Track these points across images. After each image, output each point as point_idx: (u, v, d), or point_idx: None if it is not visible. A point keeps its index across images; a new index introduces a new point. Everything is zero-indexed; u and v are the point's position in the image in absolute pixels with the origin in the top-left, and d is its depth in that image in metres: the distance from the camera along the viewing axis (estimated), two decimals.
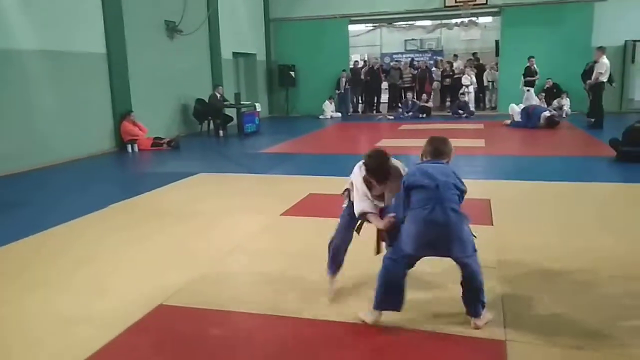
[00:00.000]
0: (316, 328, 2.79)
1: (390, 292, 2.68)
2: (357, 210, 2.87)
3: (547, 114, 11.22)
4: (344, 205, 3.11)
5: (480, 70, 16.11)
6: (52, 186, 6.72)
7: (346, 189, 3.10)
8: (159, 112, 10.84)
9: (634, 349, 2.49)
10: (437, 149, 2.86)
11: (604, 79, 10.74)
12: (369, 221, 2.91)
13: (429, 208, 2.54)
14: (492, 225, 4.46)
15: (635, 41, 13.83)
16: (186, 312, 3.00)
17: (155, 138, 9.68)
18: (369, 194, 2.86)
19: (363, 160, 2.84)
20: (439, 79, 16.35)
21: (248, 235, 4.35)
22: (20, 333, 2.80)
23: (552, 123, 10.93)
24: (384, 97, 16.99)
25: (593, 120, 10.98)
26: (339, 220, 3.15)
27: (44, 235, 4.47)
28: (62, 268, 3.70)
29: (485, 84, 16.07)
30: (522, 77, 13.12)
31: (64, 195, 6.19)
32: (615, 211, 4.90)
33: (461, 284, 2.72)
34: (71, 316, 2.97)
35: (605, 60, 10.71)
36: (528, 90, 12.82)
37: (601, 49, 10.93)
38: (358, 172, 2.89)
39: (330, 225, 4.30)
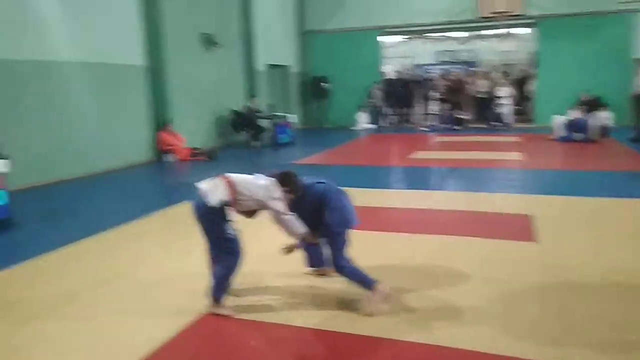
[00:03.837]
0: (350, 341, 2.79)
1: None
2: (298, 231, 3.11)
3: (598, 123, 10.92)
4: (231, 230, 3.08)
5: (520, 82, 15.84)
6: (93, 194, 6.92)
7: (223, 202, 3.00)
8: (196, 122, 11.05)
9: None
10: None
11: None
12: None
13: None
14: (535, 242, 4.37)
15: None
16: (229, 322, 3.04)
17: (192, 148, 9.88)
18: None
19: (283, 181, 3.11)
20: (474, 90, 16.13)
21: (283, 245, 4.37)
22: (65, 342, 2.89)
23: (605, 133, 10.66)
24: (418, 109, 16.87)
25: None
26: (227, 242, 3.07)
27: (87, 242, 4.61)
28: (104, 276, 3.80)
29: (526, 95, 15.79)
30: None
31: (105, 203, 6.37)
32: None
33: None
34: (117, 324, 3.05)
35: None
36: None
37: None
38: (278, 192, 3.07)
39: (366, 238, 4.30)
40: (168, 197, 6.66)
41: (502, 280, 3.54)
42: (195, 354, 2.75)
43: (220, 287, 3.10)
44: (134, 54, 9.27)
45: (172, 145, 9.65)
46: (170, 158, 9.58)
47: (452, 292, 3.34)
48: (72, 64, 7.95)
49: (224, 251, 3.08)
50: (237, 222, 3.21)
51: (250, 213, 3.22)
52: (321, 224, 3.18)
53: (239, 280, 3.38)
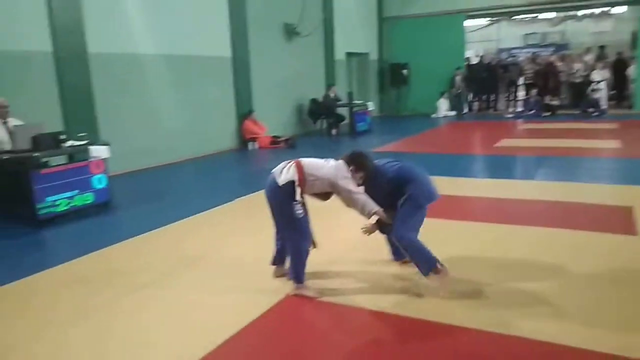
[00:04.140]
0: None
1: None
2: (371, 210, 3.07)
3: None
4: (300, 210, 3.09)
5: (617, 65, 14.65)
6: (183, 180, 7.32)
7: (291, 181, 3.06)
8: (277, 111, 11.31)
9: None
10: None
11: None
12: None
13: None
14: (636, 235, 4.05)
15: None
16: (311, 304, 3.10)
17: (273, 136, 10.13)
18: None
19: (351, 160, 3.15)
20: (566, 74, 15.15)
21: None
22: (165, 312, 3.10)
23: None
24: (503, 95, 16.16)
25: None
26: (296, 222, 3.09)
27: (178, 225, 4.90)
28: (196, 255, 4.02)
29: (625, 79, 14.58)
30: None
31: (194, 189, 6.73)
32: None
33: None
34: (208, 301, 3.22)
35: None
36: None
37: None
38: (347, 172, 3.10)
39: (448, 227, 4.21)
40: (251, 183, 6.90)
41: (596, 273, 3.33)
42: (274, 334, 2.83)
43: (295, 267, 3.17)
44: (222, 46, 9.60)
45: (254, 134, 9.95)
46: (253, 146, 9.90)
47: (537, 284, 3.19)
48: (163, 57, 8.38)
49: (292, 231, 3.14)
50: (317, 206, 3.26)
51: (323, 196, 3.25)
52: (396, 203, 3.16)
53: (324, 264, 3.45)
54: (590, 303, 2.94)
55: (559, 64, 15.11)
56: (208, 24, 9.28)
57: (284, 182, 3.07)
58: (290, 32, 11.53)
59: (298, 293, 3.19)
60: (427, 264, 3.09)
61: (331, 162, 3.20)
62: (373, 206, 3.10)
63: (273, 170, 3.19)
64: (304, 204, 3.15)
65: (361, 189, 3.17)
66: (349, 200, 3.12)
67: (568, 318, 2.77)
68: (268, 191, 3.19)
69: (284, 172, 3.11)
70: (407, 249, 3.15)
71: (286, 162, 3.19)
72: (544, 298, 3.01)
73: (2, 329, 2.95)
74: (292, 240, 3.18)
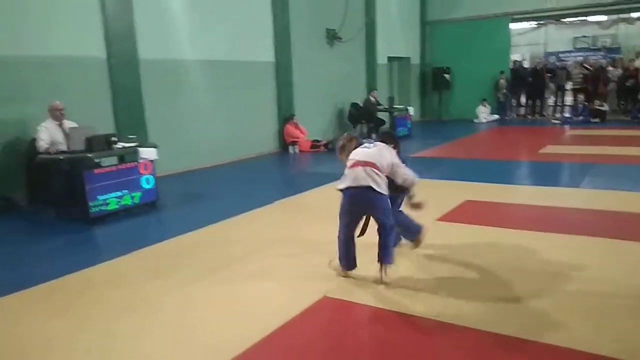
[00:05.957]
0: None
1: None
2: (414, 180, 3.57)
3: None
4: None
5: None
6: (225, 182, 7.54)
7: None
8: (317, 115, 11.43)
9: None
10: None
11: None
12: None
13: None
14: None
15: None
16: (346, 306, 3.16)
17: (314, 140, 10.25)
18: None
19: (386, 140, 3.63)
20: (616, 79, 14.60)
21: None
22: (200, 313, 3.23)
23: None
24: (550, 100, 15.74)
25: None
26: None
27: (227, 224, 5.06)
28: (237, 254, 4.16)
29: None
30: None
31: (238, 189, 6.92)
32: None
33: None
34: (253, 298, 3.34)
35: None
36: None
37: None
38: (392, 151, 3.51)
39: (483, 234, 4.17)
40: (290, 187, 7.03)
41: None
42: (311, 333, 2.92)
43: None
44: (265, 52, 9.81)
45: (295, 137, 10.10)
46: (294, 149, 10.05)
47: (564, 292, 3.15)
48: (208, 62, 8.64)
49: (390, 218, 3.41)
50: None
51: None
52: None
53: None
54: (614, 315, 2.88)
55: (609, 68, 14.58)
56: (252, 31, 9.50)
57: (386, 191, 3.34)
58: (332, 37, 11.64)
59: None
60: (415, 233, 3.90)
61: (376, 148, 3.48)
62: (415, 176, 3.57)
63: (361, 184, 3.29)
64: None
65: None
66: (404, 179, 3.52)
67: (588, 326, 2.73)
68: (367, 204, 3.37)
69: (377, 180, 3.30)
70: (400, 228, 3.77)
71: (362, 170, 3.31)
72: (567, 305, 2.97)
73: (51, 320, 3.16)
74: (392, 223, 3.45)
